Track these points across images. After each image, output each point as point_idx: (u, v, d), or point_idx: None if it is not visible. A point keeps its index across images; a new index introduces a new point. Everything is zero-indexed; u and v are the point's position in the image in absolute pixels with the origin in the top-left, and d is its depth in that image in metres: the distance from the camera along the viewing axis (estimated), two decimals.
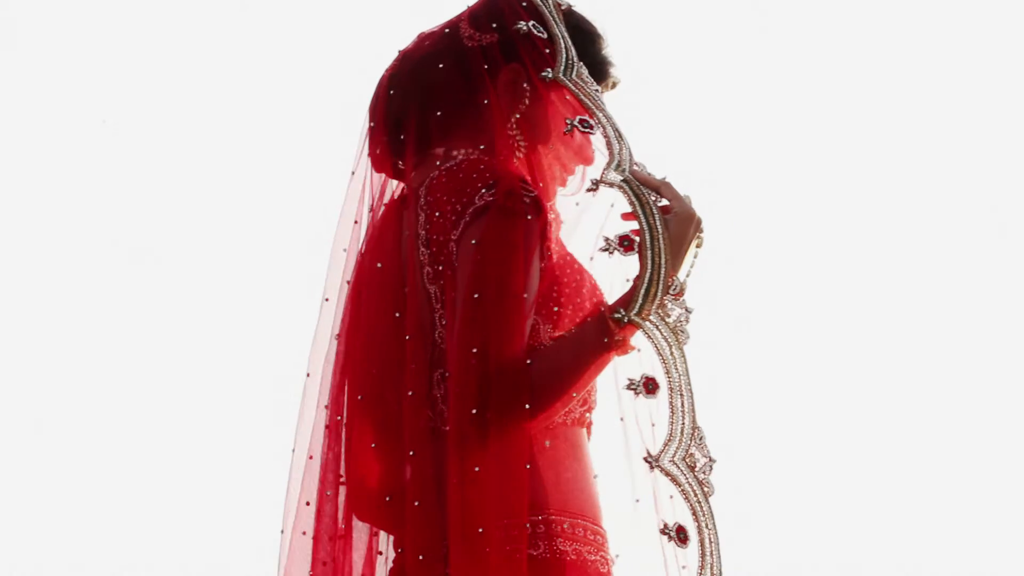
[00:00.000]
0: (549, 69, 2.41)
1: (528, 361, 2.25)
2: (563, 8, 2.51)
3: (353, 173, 2.50)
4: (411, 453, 2.29)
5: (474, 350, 2.24)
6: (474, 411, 2.23)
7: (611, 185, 2.34)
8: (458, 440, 2.24)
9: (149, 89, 5.28)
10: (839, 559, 5.21)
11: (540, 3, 2.47)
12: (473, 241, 2.29)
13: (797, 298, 5.31)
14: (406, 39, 2.55)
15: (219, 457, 5.08)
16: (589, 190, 2.38)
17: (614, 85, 2.57)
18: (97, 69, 5.26)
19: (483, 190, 2.33)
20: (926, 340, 5.36)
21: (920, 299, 5.38)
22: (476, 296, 2.26)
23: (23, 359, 5.24)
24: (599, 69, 2.53)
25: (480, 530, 2.21)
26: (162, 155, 5.31)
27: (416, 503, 2.28)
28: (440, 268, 2.34)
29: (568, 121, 2.38)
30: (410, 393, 2.31)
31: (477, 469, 2.22)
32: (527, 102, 2.44)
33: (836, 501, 5.21)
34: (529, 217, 2.30)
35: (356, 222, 2.48)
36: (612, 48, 2.58)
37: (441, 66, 2.45)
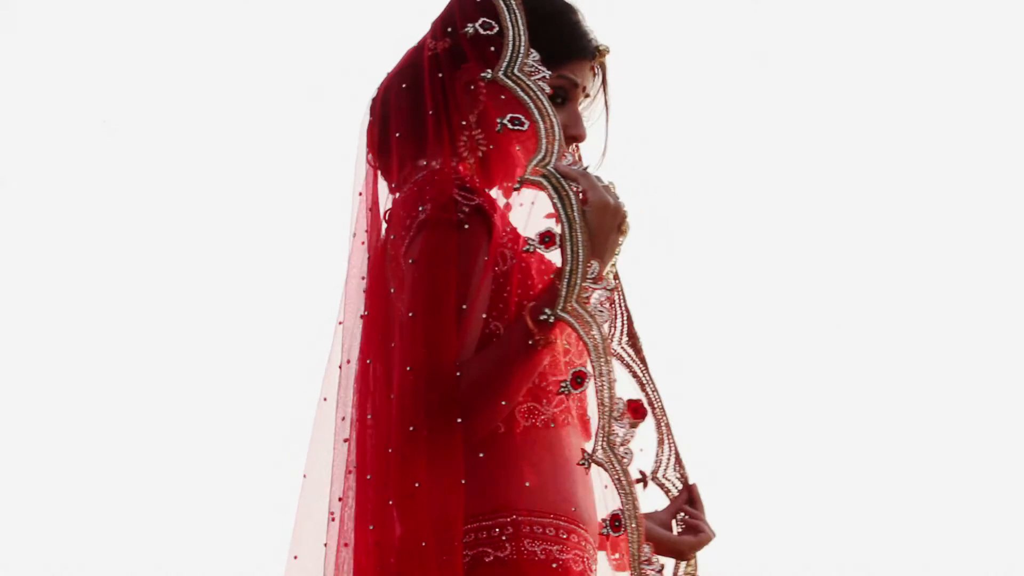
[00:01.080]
0: (489, 70, 2.39)
1: (457, 373, 2.25)
2: None
3: (360, 194, 2.50)
4: (368, 477, 2.31)
5: (408, 368, 2.26)
6: (411, 428, 2.25)
7: (533, 182, 2.32)
8: (399, 459, 2.26)
9: (149, 89, 5.29)
10: (834, 557, 5.20)
11: None
12: (411, 260, 2.32)
13: (791, 296, 5.29)
14: (413, 41, 2.55)
15: (230, 482, 5.07)
16: (515, 189, 2.37)
17: (600, 54, 2.52)
18: (97, 69, 5.27)
19: (424, 204, 2.34)
20: (918, 334, 5.35)
21: (909, 292, 5.37)
22: (411, 315, 2.29)
23: (22, 360, 5.25)
24: (571, 46, 2.49)
25: (423, 544, 2.23)
26: (163, 155, 5.31)
27: (371, 527, 2.30)
28: (394, 289, 2.36)
29: (499, 121, 2.36)
30: (368, 416, 2.33)
31: (417, 485, 2.24)
32: (482, 104, 2.42)
33: (830, 499, 5.20)
34: (467, 227, 2.31)
35: (363, 243, 2.49)
36: (588, 19, 2.52)
37: (404, 85, 2.46)
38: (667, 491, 2.69)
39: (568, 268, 2.27)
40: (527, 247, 2.30)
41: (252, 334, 5.18)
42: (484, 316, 2.34)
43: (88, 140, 5.28)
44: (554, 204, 2.30)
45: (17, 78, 5.30)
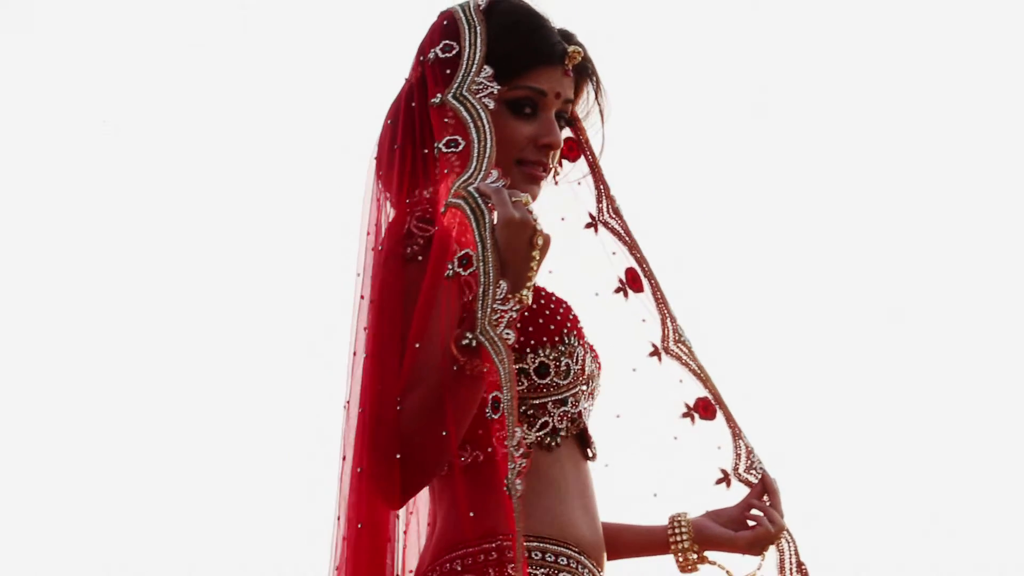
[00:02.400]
0: (439, 94, 2.35)
1: (398, 407, 2.21)
2: (482, 8, 2.43)
3: (368, 233, 2.48)
4: (338, 518, 2.31)
5: (360, 410, 2.24)
6: (358, 469, 2.23)
7: (453, 205, 2.24)
8: (350, 500, 2.26)
9: (149, 89, 5.29)
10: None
11: (457, 15, 2.42)
12: (371, 299, 2.30)
13: (799, 300, 5.28)
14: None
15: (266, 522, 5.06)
16: (441, 213, 2.28)
17: (569, 58, 2.46)
18: (97, 69, 5.27)
19: (383, 243, 2.33)
20: (921, 338, 5.34)
21: (911, 296, 5.36)
22: (365, 355, 2.27)
23: (22, 361, 5.25)
24: (534, 54, 2.43)
25: None
26: (163, 156, 5.31)
27: (336, 570, 2.29)
28: (366, 329, 2.34)
29: (435, 145, 2.32)
30: (344, 458, 2.31)
31: (360, 525, 2.24)
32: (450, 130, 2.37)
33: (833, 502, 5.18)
34: (420, 259, 2.29)
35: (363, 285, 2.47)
36: (553, 24, 2.47)
37: (389, 121, 2.45)
38: (751, 486, 2.64)
39: (480, 290, 2.17)
40: (447, 272, 2.22)
41: (252, 336, 5.18)
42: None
43: (88, 140, 5.28)
44: (470, 224, 2.21)
45: (17, 78, 5.30)
